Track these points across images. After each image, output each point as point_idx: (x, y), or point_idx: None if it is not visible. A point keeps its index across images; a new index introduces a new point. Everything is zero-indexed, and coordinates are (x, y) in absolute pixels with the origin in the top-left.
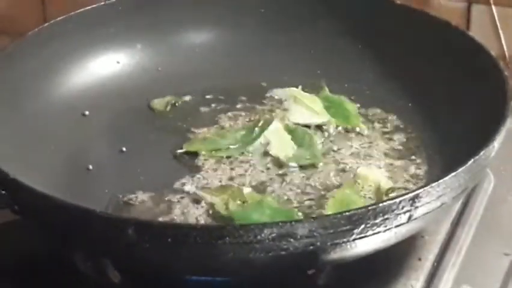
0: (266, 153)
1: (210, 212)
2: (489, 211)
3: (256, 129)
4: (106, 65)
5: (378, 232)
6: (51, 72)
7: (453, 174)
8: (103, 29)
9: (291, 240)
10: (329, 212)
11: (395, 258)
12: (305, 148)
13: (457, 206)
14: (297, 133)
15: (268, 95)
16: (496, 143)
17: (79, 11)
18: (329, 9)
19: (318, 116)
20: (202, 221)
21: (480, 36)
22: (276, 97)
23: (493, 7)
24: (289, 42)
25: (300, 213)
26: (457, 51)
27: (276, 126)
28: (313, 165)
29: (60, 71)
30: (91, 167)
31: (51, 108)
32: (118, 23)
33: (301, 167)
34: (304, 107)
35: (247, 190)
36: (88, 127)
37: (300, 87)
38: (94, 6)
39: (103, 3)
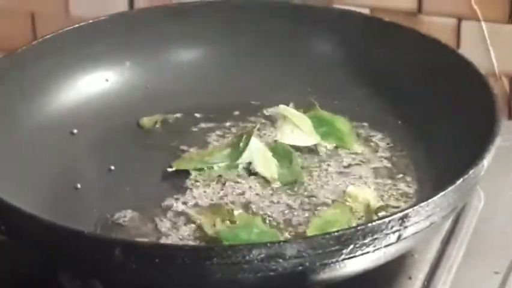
0: (253, 172)
1: (199, 231)
2: (479, 229)
3: (241, 144)
4: (95, 83)
5: (368, 252)
6: (40, 90)
7: (442, 193)
8: (92, 47)
9: (280, 260)
10: (311, 232)
11: (385, 277)
12: (286, 165)
13: (447, 224)
14: (278, 150)
15: (258, 113)
16: (486, 162)
17: (67, 28)
18: (318, 27)
19: (307, 138)
20: (190, 241)
21: (470, 53)
22: (267, 114)
23: (483, 23)
24: (279, 60)
25: (287, 234)
26: (446, 69)
27: (256, 144)
28: (300, 183)
29: (49, 89)
30: (79, 185)
31: (39, 126)
32: (107, 41)
33: (288, 186)
34: (294, 127)
35: (237, 211)
36: (76, 145)
37: (291, 104)
38: (82, 24)
39: (91, 21)
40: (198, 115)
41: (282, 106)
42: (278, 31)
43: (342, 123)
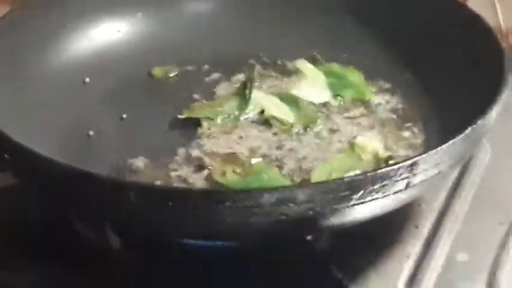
0: (265, 120)
1: (210, 178)
2: (485, 181)
3: (246, 91)
4: (107, 34)
5: (377, 198)
6: (52, 38)
7: (451, 142)
8: None
9: (291, 205)
10: (316, 177)
11: (393, 225)
12: (296, 111)
13: (454, 175)
14: (284, 98)
15: (269, 65)
16: (494, 112)
17: None
18: None
19: (320, 94)
20: (201, 187)
21: (477, 9)
22: (280, 66)
23: None
24: (291, 14)
25: (297, 179)
26: (455, 23)
27: (260, 94)
28: (311, 130)
29: (61, 38)
30: (91, 133)
31: (52, 74)
32: None
33: (298, 134)
34: (309, 82)
35: (247, 159)
36: (89, 94)
37: (301, 60)
38: None
39: None
40: (208, 66)
41: (300, 61)
42: None
43: (354, 75)
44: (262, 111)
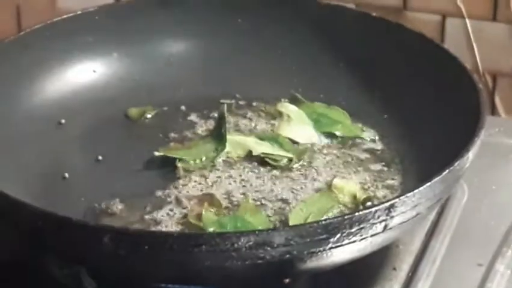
0: (241, 161)
1: (186, 220)
2: (463, 222)
3: (222, 131)
4: (83, 74)
5: (354, 241)
6: (27, 79)
7: (428, 184)
8: (79, 38)
9: (268, 248)
10: (293, 217)
11: (370, 267)
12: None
13: (432, 216)
14: (265, 136)
15: (244, 106)
16: (471, 154)
17: (55, 19)
18: (305, 21)
19: (306, 135)
20: (179, 229)
21: (454, 50)
22: (255, 108)
23: (467, 20)
24: (266, 54)
25: (273, 219)
26: (431, 63)
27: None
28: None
29: (37, 79)
30: (67, 175)
31: (27, 116)
32: (94, 32)
33: (275, 173)
34: (293, 124)
35: (225, 201)
36: (64, 135)
37: (283, 100)
38: (70, 14)
39: (79, 12)
40: (184, 107)
41: (281, 103)
42: (265, 25)
43: (339, 114)
44: (248, 152)
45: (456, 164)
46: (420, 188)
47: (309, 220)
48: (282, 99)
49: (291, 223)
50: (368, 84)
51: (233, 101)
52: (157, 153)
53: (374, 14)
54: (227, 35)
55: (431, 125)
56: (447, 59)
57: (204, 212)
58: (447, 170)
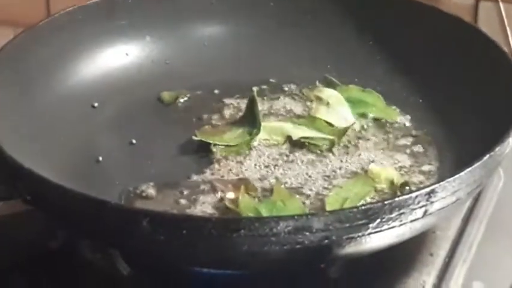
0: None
1: (221, 204)
2: (499, 208)
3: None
4: (115, 57)
5: (394, 227)
6: (61, 63)
7: (468, 169)
8: (112, 21)
9: (307, 233)
10: (330, 202)
11: (407, 253)
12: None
13: (468, 202)
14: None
15: (278, 89)
16: (511, 139)
17: (88, 2)
18: (339, 4)
19: (343, 120)
20: (214, 214)
21: (487, 32)
22: (289, 92)
23: (501, 4)
24: (299, 37)
25: (308, 202)
26: (468, 47)
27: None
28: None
29: (70, 63)
30: (100, 158)
31: (61, 99)
32: (127, 15)
33: (309, 158)
34: (329, 107)
35: (261, 185)
36: (98, 119)
37: (317, 82)
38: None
39: None
40: (217, 91)
41: (318, 88)
42: (299, 8)
43: (374, 97)
44: (287, 138)
45: (497, 149)
46: (461, 174)
47: (346, 205)
48: (317, 82)
49: (328, 208)
50: (403, 69)
51: (266, 86)
52: (194, 138)
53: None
54: (260, 18)
55: (468, 110)
56: (485, 43)
57: (240, 197)
58: (487, 155)
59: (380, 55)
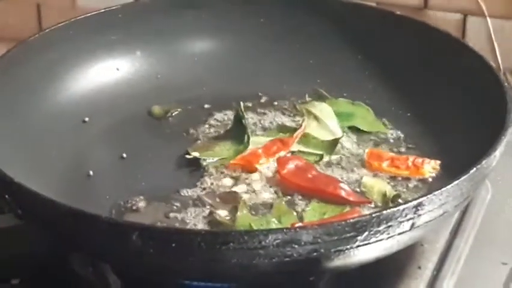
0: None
1: (211, 219)
2: (487, 220)
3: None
4: (106, 72)
5: (381, 239)
6: (52, 78)
7: (455, 182)
8: (103, 36)
9: (295, 246)
10: (308, 215)
11: (395, 266)
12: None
13: (456, 215)
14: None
15: (268, 104)
16: (498, 152)
17: (79, 17)
18: (329, 19)
19: (331, 133)
20: (204, 227)
21: (475, 47)
22: (278, 106)
23: (488, 19)
24: (289, 52)
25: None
26: (456, 61)
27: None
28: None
29: (60, 77)
30: (91, 173)
31: (52, 114)
32: (117, 31)
33: None
34: (320, 121)
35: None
36: (88, 133)
37: (306, 96)
38: (94, 12)
39: (102, 10)
40: (207, 105)
41: (310, 102)
42: (289, 24)
43: (363, 110)
44: None
45: (483, 162)
46: (448, 187)
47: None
48: (306, 96)
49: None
50: (391, 83)
51: (255, 100)
52: (188, 156)
53: (397, 13)
54: (249, 33)
55: (456, 124)
56: (472, 58)
57: (239, 213)
58: (474, 169)
59: (369, 69)
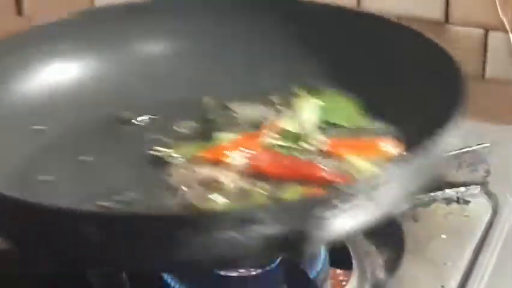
0: None
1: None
2: (510, 238)
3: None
4: (58, 76)
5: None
6: (3, 84)
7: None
8: (56, 44)
9: (254, 226)
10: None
11: (418, 285)
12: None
13: (479, 232)
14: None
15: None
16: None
17: (34, 24)
18: (296, 23)
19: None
20: None
21: (497, 63)
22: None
23: (510, 34)
24: (249, 56)
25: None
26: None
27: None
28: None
29: (12, 83)
30: (45, 178)
31: (2, 120)
32: (73, 35)
33: None
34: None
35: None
36: (41, 139)
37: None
38: (46, 22)
39: (56, 19)
40: (166, 110)
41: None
42: (248, 28)
43: (347, 105)
44: None
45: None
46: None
47: None
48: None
49: None
50: (382, 81)
51: (223, 98)
52: (152, 152)
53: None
54: (207, 36)
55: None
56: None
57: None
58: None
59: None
